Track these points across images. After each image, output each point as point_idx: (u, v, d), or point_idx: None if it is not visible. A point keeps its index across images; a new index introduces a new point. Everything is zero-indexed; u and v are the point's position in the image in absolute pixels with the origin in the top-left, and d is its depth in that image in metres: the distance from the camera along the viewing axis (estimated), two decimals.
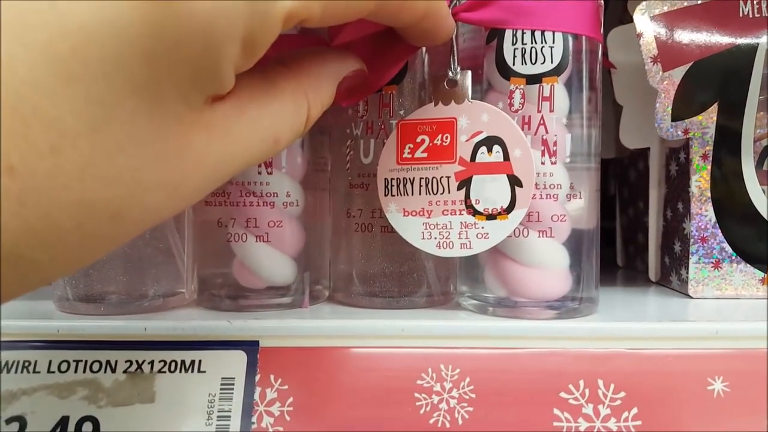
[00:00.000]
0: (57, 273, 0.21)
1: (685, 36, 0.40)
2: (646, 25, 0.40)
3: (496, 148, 0.34)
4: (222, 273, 0.38)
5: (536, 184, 0.34)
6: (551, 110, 0.35)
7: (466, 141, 0.34)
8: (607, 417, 0.30)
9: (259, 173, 0.37)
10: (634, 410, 0.31)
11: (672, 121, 0.40)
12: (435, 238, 0.35)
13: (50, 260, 0.20)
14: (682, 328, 0.33)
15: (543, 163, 0.35)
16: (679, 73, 0.39)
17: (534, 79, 0.34)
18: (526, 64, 0.34)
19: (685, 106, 0.40)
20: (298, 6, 0.22)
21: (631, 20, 0.41)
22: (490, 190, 0.34)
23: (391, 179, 0.35)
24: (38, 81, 0.18)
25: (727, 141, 0.40)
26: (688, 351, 0.32)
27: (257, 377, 0.32)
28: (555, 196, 0.35)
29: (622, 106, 0.46)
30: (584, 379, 0.31)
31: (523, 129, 0.34)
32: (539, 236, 0.35)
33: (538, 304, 0.36)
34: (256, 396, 0.31)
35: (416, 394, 0.31)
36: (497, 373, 0.31)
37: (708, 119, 0.40)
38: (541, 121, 0.35)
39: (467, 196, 0.34)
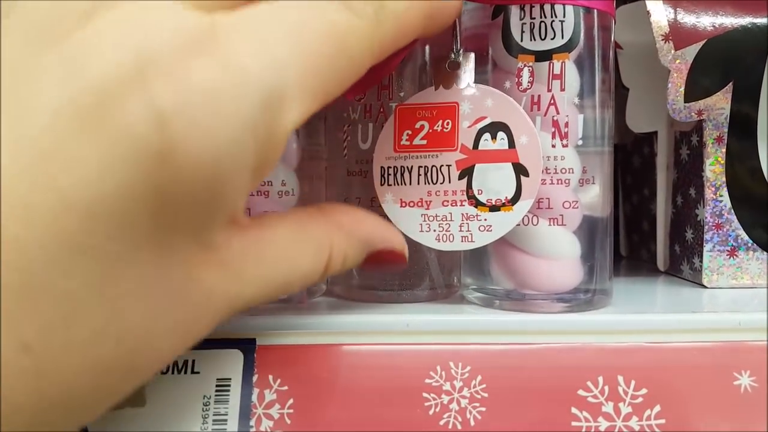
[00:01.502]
0: (70, 429, 0.20)
1: (697, 13, 0.38)
2: (656, 1, 0.38)
3: (501, 134, 0.32)
4: None
5: (546, 169, 0.33)
6: (562, 89, 0.33)
7: (469, 127, 0.32)
8: (628, 415, 0.29)
9: None
10: (657, 408, 0.29)
11: (685, 102, 0.38)
12: (434, 230, 0.33)
13: (66, 421, 0.19)
14: (703, 320, 0.31)
15: (554, 146, 0.33)
16: (692, 51, 0.38)
17: (543, 56, 0.32)
18: (534, 39, 0.32)
19: (698, 87, 0.38)
20: (304, 113, 0.21)
21: None
22: (494, 180, 0.32)
23: (388, 168, 0.34)
24: (48, 257, 0.17)
25: (742, 123, 0.38)
26: (712, 344, 0.30)
27: (255, 377, 0.30)
28: (567, 181, 0.33)
29: (628, 89, 0.44)
30: (603, 375, 0.29)
31: (532, 109, 0.33)
32: (549, 224, 0.33)
33: (548, 297, 0.34)
34: (254, 397, 0.29)
35: (425, 394, 0.29)
36: (511, 370, 0.30)
37: (722, 100, 0.38)
38: (552, 101, 0.33)
39: (469, 185, 0.32)
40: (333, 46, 0.21)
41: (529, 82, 0.33)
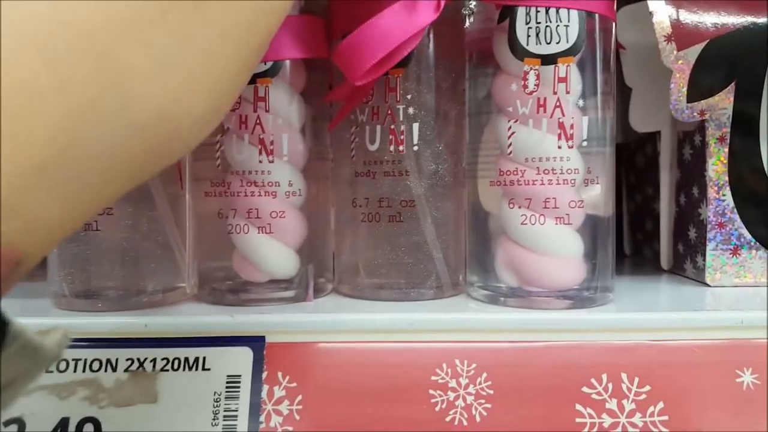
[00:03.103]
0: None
1: (700, 13, 0.38)
2: (659, 2, 0.39)
3: None
4: (223, 266, 0.37)
5: (552, 169, 0.33)
6: (567, 92, 0.33)
7: None
8: (632, 412, 0.29)
9: (260, 162, 0.35)
10: (660, 405, 0.29)
11: (687, 102, 0.38)
12: None
13: None
14: (706, 318, 0.31)
15: (560, 147, 0.33)
16: (694, 52, 0.38)
17: (549, 60, 0.33)
18: (540, 43, 0.33)
19: (700, 87, 0.38)
20: None
21: None
22: None
23: None
24: None
25: (744, 122, 0.39)
26: (714, 342, 0.30)
27: (264, 374, 0.30)
28: (572, 181, 0.33)
29: (631, 89, 0.45)
30: (607, 372, 0.30)
31: (538, 112, 0.33)
32: (556, 223, 0.34)
33: (552, 294, 0.34)
34: (264, 394, 0.30)
35: (431, 391, 0.30)
36: (516, 367, 0.30)
37: (725, 100, 0.38)
38: (557, 104, 0.33)
39: None
40: None
41: (535, 85, 0.33)
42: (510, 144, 0.34)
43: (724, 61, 0.38)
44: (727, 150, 0.39)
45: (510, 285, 0.35)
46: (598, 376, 0.30)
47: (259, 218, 0.35)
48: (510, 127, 0.34)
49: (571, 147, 0.33)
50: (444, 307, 0.35)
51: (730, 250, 0.39)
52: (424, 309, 0.34)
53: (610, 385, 0.30)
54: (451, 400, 0.30)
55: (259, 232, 0.35)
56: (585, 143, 0.34)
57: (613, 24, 0.35)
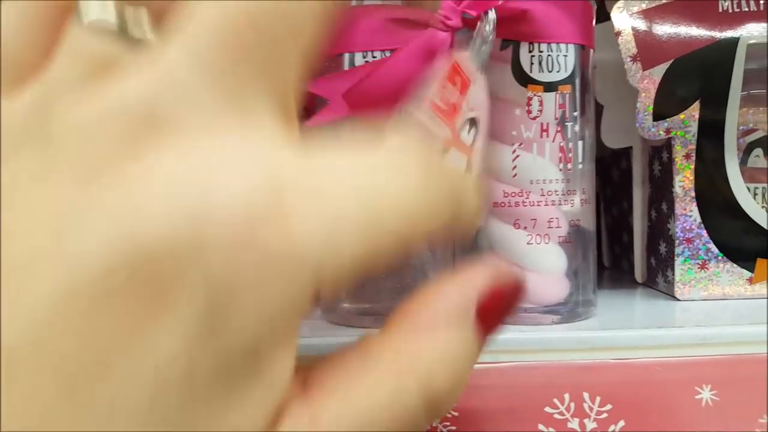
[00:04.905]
0: None
1: (664, 33, 0.39)
2: (624, 22, 0.39)
3: (473, 131, 0.33)
4: None
5: (556, 190, 0.34)
6: (566, 118, 0.35)
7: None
8: (593, 431, 0.30)
9: None
10: (621, 423, 0.30)
11: (653, 120, 0.39)
12: None
13: None
14: (669, 335, 0.32)
15: (561, 170, 0.35)
16: (659, 71, 0.39)
17: (551, 87, 0.34)
18: (543, 71, 0.34)
19: (666, 105, 0.39)
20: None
21: (608, 18, 0.40)
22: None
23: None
24: None
25: (710, 139, 0.39)
26: (676, 359, 0.31)
27: None
28: (571, 201, 0.35)
29: (603, 105, 0.45)
30: (569, 392, 0.30)
31: (542, 136, 0.34)
32: (539, 240, 0.34)
33: (537, 309, 0.35)
34: None
35: None
36: (480, 389, 0.30)
37: (690, 117, 0.39)
38: (558, 129, 0.35)
39: None
40: (397, 234, 0.18)
41: (538, 110, 0.34)
42: (515, 167, 0.35)
43: (688, 80, 0.39)
44: (693, 166, 0.39)
45: None
46: (561, 396, 0.30)
47: None
48: (515, 151, 0.35)
49: (570, 170, 0.35)
50: None
51: (698, 264, 0.40)
52: None
53: (572, 405, 0.30)
54: None
55: None
56: (581, 166, 0.35)
57: (591, 51, 0.36)
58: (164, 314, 0.15)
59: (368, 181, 0.18)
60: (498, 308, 0.21)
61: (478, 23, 0.32)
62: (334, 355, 0.20)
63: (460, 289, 0.20)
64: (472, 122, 0.33)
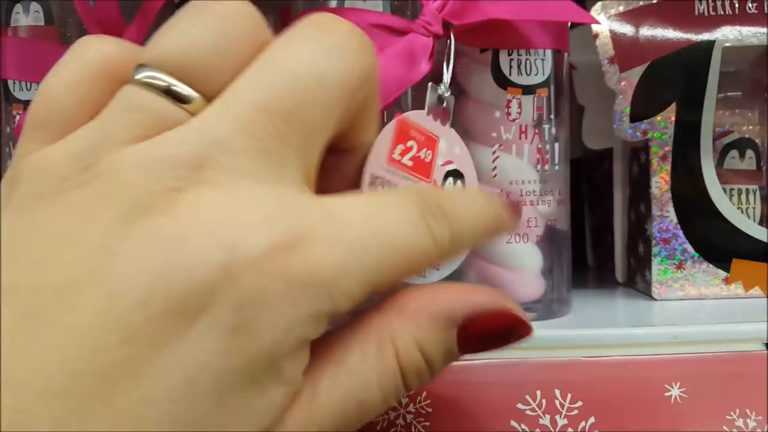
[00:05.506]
0: None
1: (641, 35, 0.39)
2: (602, 24, 0.40)
3: (459, 184, 0.33)
4: None
5: (531, 191, 0.35)
6: (543, 120, 0.35)
7: (441, 166, 0.33)
8: (564, 427, 0.30)
9: None
10: (592, 419, 0.30)
11: (631, 122, 0.39)
12: None
13: None
14: (641, 333, 0.32)
15: (538, 171, 0.35)
16: (636, 73, 0.39)
17: (529, 90, 0.35)
18: (521, 74, 0.35)
19: (643, 107, 0.39)
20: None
21: None
22: None
23: (377, 177, 0.34)
24: None
25: (686, 140, 0.40)
26: (647, 357, 0.31)
27: None
28: (548, 202, 0.35)
29: (584, 107, 0.46)
30: (541, 389, 0.31)
31: (520, 138, 0.35)
32: (518, 239, 0.35)
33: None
34: None
35: None
36: (453, 386, 0.31)
37: (666, 119, 0.39)
38: (536, 131, 0.35)
39: None
40: (401, 264, 0.21)
41: (517, 113, 0.35)
42: (495, 168, 0.35)
43: (665, 82, 0.39)
44: (669, 168, 0.40)
45: None
46: (533, 393, 0.31)
47: None
48: (495, 152, 0.35)
49: (547, 171, 0.35)
50: None
51: (675, 264, 0.40)
52: None
53: (543, 401, 0.31)
54: (392, 419, 0.31)
55: None
56: (557, 167, 0.36)
57: (566, 54, 0.37)
58: (195, 331, 0.17)
59: (374, 219, 0.20)
60: (484, 336, 0.24)
61: (428, 92, 0.32)
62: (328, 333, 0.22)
63: (456, 298, 0.23)
64: (457, 174, 0.33)
